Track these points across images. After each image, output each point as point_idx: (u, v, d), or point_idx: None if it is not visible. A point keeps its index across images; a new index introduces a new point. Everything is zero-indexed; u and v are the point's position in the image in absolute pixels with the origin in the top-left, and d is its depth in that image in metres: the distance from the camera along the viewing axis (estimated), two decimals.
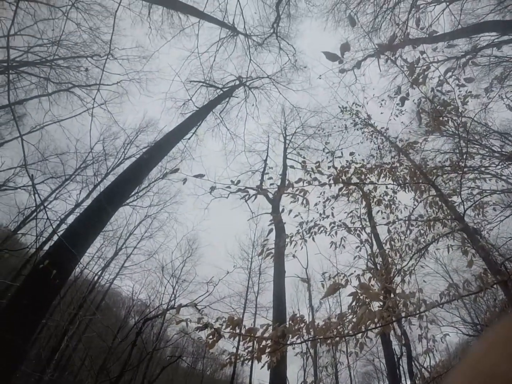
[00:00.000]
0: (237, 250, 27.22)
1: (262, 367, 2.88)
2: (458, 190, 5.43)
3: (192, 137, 13.89)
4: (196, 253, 21.56)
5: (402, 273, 4.49)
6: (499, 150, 10.31)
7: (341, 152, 3.86)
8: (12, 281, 10.89)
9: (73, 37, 13.69)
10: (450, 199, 5.19)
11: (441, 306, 3.93)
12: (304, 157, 3.24)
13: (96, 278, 17.70)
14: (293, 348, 3.11)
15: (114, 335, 13.81)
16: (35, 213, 14.09)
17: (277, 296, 8.72)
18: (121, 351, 13.36)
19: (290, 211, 3.26)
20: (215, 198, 13.20)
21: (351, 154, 3.97)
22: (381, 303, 2.95)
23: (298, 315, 2.57)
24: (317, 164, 2.98)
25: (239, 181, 2.69)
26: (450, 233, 5.12)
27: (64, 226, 14.11)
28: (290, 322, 2.53)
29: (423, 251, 4.81)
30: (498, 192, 9.15)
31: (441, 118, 5.02)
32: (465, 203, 5.45)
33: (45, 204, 14.87)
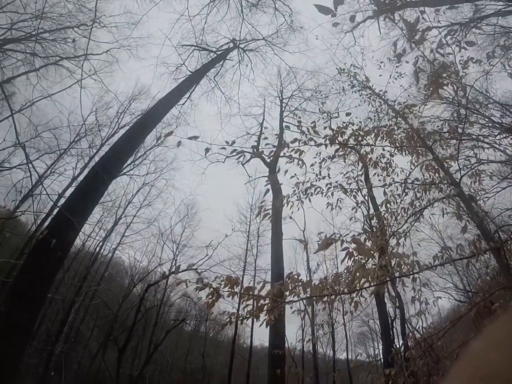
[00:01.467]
0: (235, 214, 27.67)
1: (261, 325, 2.97)
2: (455, 156, 5.40)
3: (187, 103, 13.63)
4: (195, 218, 21.94)
5: (397, 236, 4.56)
6: (499, 120, 10.16)
7: (337, 113, 3.78)
8: (16, 261, 11.02)
9: (57, 8, 13.09)
10: (446, 165, 5.18)
11: (433, 268, 4.02)
12: (299, 117, 3.17)
13: (97, 249, 18.00)
14: (291, 307, 3.21)
15: (119, 304, 14.27)
16: (32, 190, 14.05)
17: (275, 258, 8.89)
18: (126, 318, 13.84)
19: (286, 171, 3.25)
20: (211, 163, 13.16)
21: (348, 114, 3.89)
22: (375, 263, 3.01)
23: (294, 272, 2.62)
24: (313, 124, 2.93)
25: (234, 142, 2.65)
26: (445, 198, 5.15)
27: (63, 201, 14.11)
28: (287, 280, 2.58)
29: (418, 215, 4.86)
30: (495, 162, 9.13)
31: (440, 81, 4.90)
32: (462, 169, 5.44)
33: (42, 180, 14.80)
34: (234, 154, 3.01)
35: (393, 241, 4.53)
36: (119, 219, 17.97)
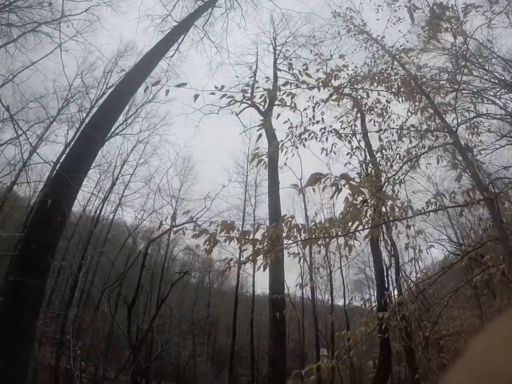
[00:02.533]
0: (232, 165, 27.72)
1: (258, 269, 3.05)
2: (453, 105, 5.29)
3: (175, 55, 13.05)
4: (192, 172, 22.06)
5: (392, 182, 4.59)
6: (500, 76, 9.74)
7: (331, 55, 3.63)
8: (20, 233, 11.11)
9: None
10: (444, 114, 5.08)
11: (427, 215, 4.09)
12: (291, 59, 3.04)
13: (98, 212, 18.20)
14: (288, 253, 3.31)
15: (125, 262, 14.74)
16: (27, 161, 13.91)
17: (273, 207, 8.99)
18: (133, 276, 14.33)
19: (278, 115, 3.19)
20: (205, 115, 12.92)
21: (341, 57, 3.73)
22: (368, 204, 3.03)
23: (288, 215, 2.65)
24: (305, 66, 2.81)
25: (223, 86, 2.56)
26: (441, 146, 5.11)
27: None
28: (282, 223, 2.62)
29: (414, 162, 4.85)
30: (495, 118, 8.93)
31: (439, 24, 4.67)
32: (459, 119, 5.34)
33: (35, 148, 14.62)
34: (227, 103, 2.93)
35: (388, 188, 4.55)
36: (116, 179, 18.03)
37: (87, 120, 15.11)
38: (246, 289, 28.91)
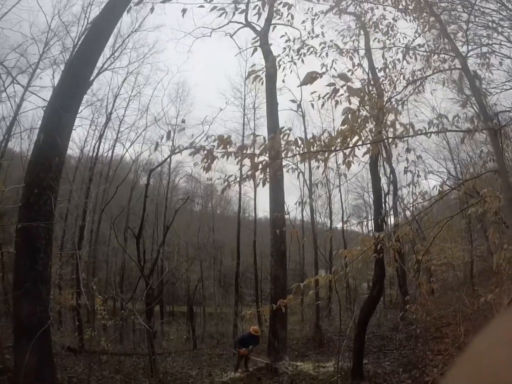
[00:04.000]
0: (229, 89, 27.23)
1: (258, 185, 3.10)
2: (464, 28, 4.93)
3: None
4: (188, 98, 21.79)
5: (394, 102, 4.46)
6: None
7: None
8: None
9: None
10: (453, 37, 4.75)
11: (428, 135, 4.03)
12: None
13: (96, 150, 18.16)
14: (287, 170, 3.33)
15: (129, 196, 15.03)
16: (17, 111, 13.53)
17: (271, 129, 8.88)
18: (138, 210, 14.76)
19: (274, 27, 3.00)
20: (197, 39, 12.26)
21: None
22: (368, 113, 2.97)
23: (286, 127, 2.63)
24: None
25: None
26: (448, 70, 4.87)
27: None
28: (280, 135, 2.60)
29: (418, 83, 4.66)
30: (508, 56, 8.29)
31: None
32: (470, 45, 4.99)
33: (24, 93, 14.15)
34: (219, 24, 2.73)
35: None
36: (110, 114, 17.58)
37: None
38: (248, 212, 30.10)
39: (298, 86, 2.43)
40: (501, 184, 3.84)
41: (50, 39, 14.95)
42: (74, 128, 7.56)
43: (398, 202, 5.91)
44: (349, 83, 2.02)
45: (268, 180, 3.04)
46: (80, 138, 18.50)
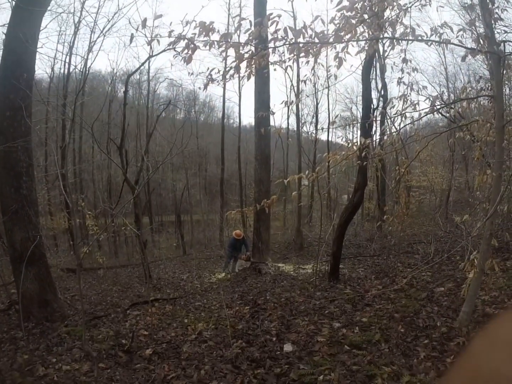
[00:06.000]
0: None
1: (242, 78, 2.91)
2: None
3: None
4: None
5: (396, 8, 4.03)
6: None
7: None
8: None
9: None
10: None
11: (428, 44, 3.72)
12: None
13: (67, 65, 16.59)
14: (273, 66, 3.10)
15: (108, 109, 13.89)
16: None
17: (258, 14, 8.17)
18: (119, 122, 14.17)
19: None
20: None
21: None
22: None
23: (275, 14, 2.35)
24: None
25: None
26: None
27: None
28: (268, 21, 2.34)
29: None
30: None
31: None
32: None
33: None
34: None
35: (392, 13, 4.01)
36: (78, 23, 15.65)
37: None
38: (233, 119, 30.75)
39: None
40: (495, 110, 3.76)
41: None
42: (41, 45, 6.80)
43: (386, 112, 5.78)
44: None
45: (253, 73, 2.85)
46: (49, 57, 16.73)
